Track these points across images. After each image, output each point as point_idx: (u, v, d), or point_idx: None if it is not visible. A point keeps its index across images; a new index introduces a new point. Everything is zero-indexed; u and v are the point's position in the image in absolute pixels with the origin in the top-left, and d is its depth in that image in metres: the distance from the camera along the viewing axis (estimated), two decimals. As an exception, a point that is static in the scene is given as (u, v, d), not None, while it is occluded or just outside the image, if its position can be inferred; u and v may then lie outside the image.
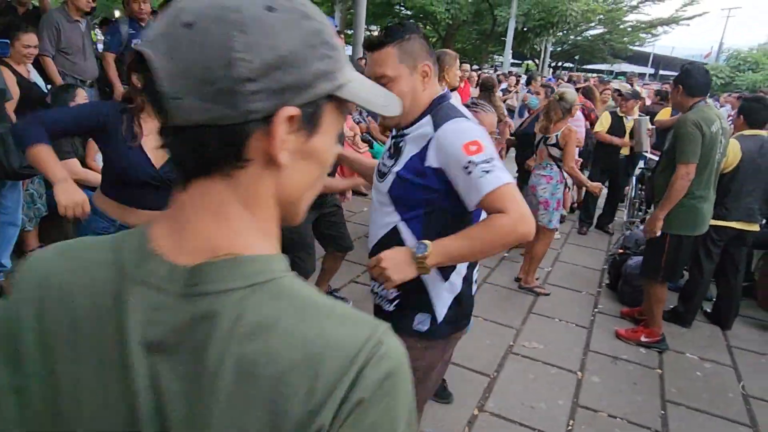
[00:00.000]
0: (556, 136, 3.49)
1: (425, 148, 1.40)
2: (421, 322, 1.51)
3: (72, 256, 0.56)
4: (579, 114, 4.90)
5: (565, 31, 18.87)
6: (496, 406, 2.68)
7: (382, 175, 1.52)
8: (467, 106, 2.35)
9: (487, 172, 1.29)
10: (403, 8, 17.81)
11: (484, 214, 1.41)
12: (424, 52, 1.43)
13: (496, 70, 16.64)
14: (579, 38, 23.77)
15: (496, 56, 25.55)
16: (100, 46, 5.33)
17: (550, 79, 11.06)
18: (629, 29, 22.66)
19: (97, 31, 8.66)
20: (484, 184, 1.29)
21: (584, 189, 5.35)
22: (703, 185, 3.05)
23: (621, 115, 5.58)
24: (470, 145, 1.31)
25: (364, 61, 3.12)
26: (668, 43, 50.79)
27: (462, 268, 1.51)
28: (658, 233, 3.12)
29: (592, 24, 20.49)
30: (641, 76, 28.55)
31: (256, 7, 0.47)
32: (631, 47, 25.30)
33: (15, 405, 0.54)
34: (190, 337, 0.49)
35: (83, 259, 0.55)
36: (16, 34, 3.50)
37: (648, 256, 3.36)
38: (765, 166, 3.42)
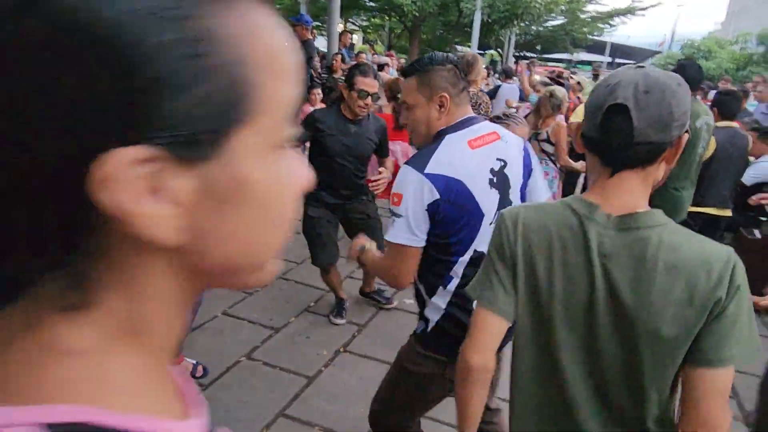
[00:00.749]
0: (547, 132, 3.64)
1: None
2: (419, 326, 1.68)
3: (536, 207, 1.11)
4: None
5: (528, 22, 19.21)
6: (500, 394, 2.80)
7: None
8: (499, 118, 2.47)
9: (392, 224, 1.50)
10: (370, 1, 17.80)
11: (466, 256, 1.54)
12: (445, 82, 1.52)
13: (463, 62, 16.79)
14: (541, 29, 24.24)
15: (458, 47, 25.77)
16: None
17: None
18: (589, 20, 23.24)
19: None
20: (389, 231, 1.51)
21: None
22: (683, 176, 3.24)
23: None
24: (394, 196, 1.48)
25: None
26: (624, 33, 52.24)
27: (445, 294, 1.57)
28: None
29: (553, 15, 20.94)
30: (593, 65, 29.33)
31: (674, 83, 0.94)
32: (590, 37, 25.93)
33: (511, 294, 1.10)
34: (630, 252, 0.97)
35: (545, 209, 1.08)
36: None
37: None
38: (736, 155, 3.66)
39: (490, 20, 17.49)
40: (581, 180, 5.59)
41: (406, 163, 1.52)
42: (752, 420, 2.16)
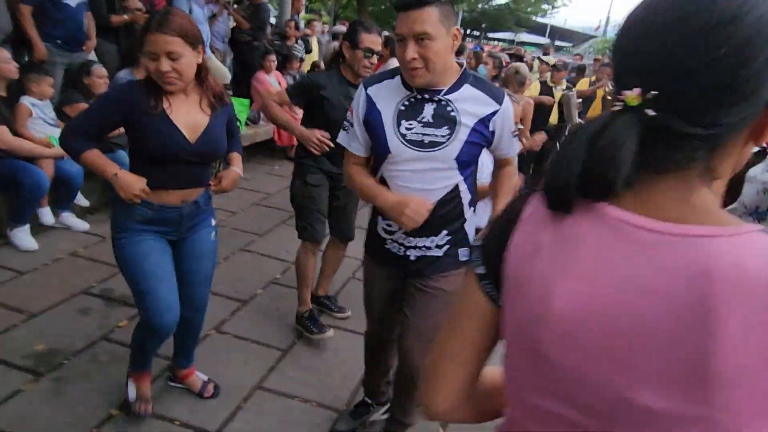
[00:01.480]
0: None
1: (490, 118, 1.62)
2: (464, 254, 1.76)
3: None
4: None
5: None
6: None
7: (434, 145, 1.60)
8: None
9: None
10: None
11: None
12: (454, 17, 1.55)
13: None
14: (487, 6, 24.46)
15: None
16: None
17: (476, 48, 11.36)
18: (533, 0, 23.70)
19: None
20: (516, 146, 1.79)
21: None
22: None
23: (551, 85, 5.94)
24: (515, 116, 1.72)
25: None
26: (561, 16, 53.62)
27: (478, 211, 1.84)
28: None
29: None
30: (539, 45, 30.06)
31: None
32: (533, 18, 26.48)
33: None
34: None
35: None
36: None
37: None
38: None
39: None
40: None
41: (502, 95, 1.65)
42: None
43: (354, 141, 1.74)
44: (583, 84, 7.28)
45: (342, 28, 8.88)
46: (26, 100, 3.47)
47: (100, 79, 3.92)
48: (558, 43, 47.99)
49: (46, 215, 3.63)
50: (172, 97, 1.78)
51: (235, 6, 6.56)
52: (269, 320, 2.99)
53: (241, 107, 5.63)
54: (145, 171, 1.79)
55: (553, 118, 5.94)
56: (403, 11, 1.51)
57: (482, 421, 0.82)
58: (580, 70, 7.87)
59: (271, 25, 7.87)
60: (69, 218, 3.75)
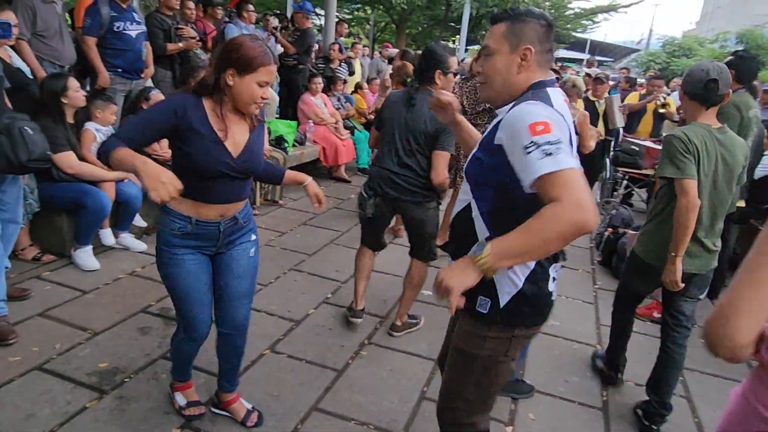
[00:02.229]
0: (573, 121, 3.61)
1: (495, 126, 1.40)
2: (482, 305, 1.48)
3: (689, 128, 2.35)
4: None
5: (514, 18, 19.26)
6: (533, 382, 2.76)
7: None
8: None
9: (549, 154, 1.20)
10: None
11: None
12: (534, 36, 1.42)
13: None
14: (526, 24, 24.37)
15: (443, 41, 25.71)
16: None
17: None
18: (572, 16, 23.40)
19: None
20: (540, 165, 1.20)
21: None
22: None
23: (593, 99, 5.79)
24: (537, 125, 1.23)
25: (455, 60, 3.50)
26: (602, 31, 52.84)
27: (517, 276, 1.44)
28: None
29: (539, 11, 21.05)
30: (579, 61, 29.66)
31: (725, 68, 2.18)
32: (572, 34, 26.12)
33: None
34: (724, 142, 2.33)
35: (695, 129, 2.32)
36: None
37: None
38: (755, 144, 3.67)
39: (477, 15, 17.46)
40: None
41: (525, 100, 1.35)
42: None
43: None
44: (632, 98, 7.09)
45: (393, 51, 9.02)
46: (91, 126, 3.63)
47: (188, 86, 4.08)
48: (599, 57, 47.24)
49: (107, 236, 3.76)
50: (228, 114, 1.81)
51: (282, 31, 6.74)
52: (323, 340, 2.97)
53: (288, 129, 5.74)
54: (184, 184, 1.75)
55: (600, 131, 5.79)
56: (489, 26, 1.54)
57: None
58: (629, 82, 7.67)
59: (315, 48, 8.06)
60: (128, 239, 3.88)
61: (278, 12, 7.83)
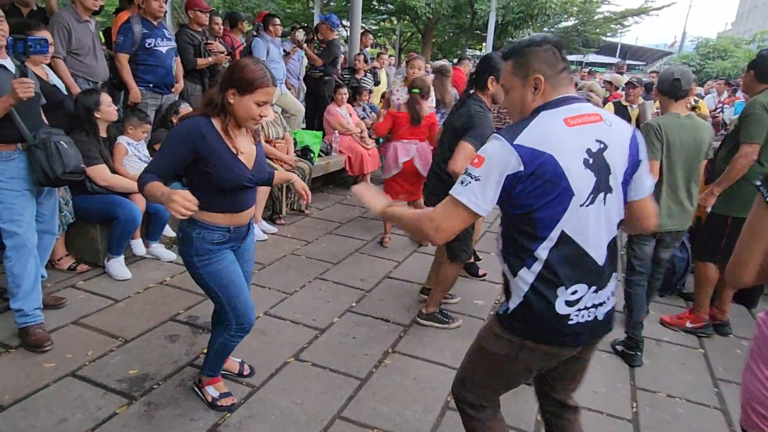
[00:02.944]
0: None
1: None
2: (501, 306, 1.62)
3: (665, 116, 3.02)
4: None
5: (542, 23, 19.06)
6: (561, 392, 2.70)
7: None
8: None
9: (461, 182, 1.44)
10: (382, 4, 17.75)
11: (553, 235, 1.44)
12: (540, 64, 1.48)
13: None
14: (554, 30, 24.08)
15: (468, 49, 25.70)
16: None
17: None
18: (601, 20, 23.03)
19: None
20: (453, 187, 1.47)
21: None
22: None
23: (625, 104, 5.67)
24: (476, 157, 1.44)
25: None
26: (632, 34, 51.98)
27: (528, 275, 1.48)
28: (709, 208, 3.19)
29: (566, 16, 20.78)
30: (610, 66, 29.17)
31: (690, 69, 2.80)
32: (602, 38, 25.72)
33: None
34: (690, 127, 2.99)
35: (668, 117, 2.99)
36: (29, 33, 3.34)
37: (705, 239, 3.42)
38: None
39: (504, 22, 17.37)
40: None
41: (496, 132, 1.46)
42: None
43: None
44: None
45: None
46: (123, 140, 3.75)
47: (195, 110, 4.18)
48: (629, 61, 46.31)
49: (139, 246, 3.87)
50: (234, 131, 2.01)
51: (308, 44, 6.85)
52: (347, 348, 2.98)
53: (314, 139, 5.81)
54: (213, 199, 2.01)
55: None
56: None
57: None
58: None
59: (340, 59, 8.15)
60: (158, 249, 3.98)
61: (305, 25, 7.94)
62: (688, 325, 3.45)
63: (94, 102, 3.46)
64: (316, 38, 7.06)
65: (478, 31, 19.74)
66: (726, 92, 9.19)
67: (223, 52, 5.20)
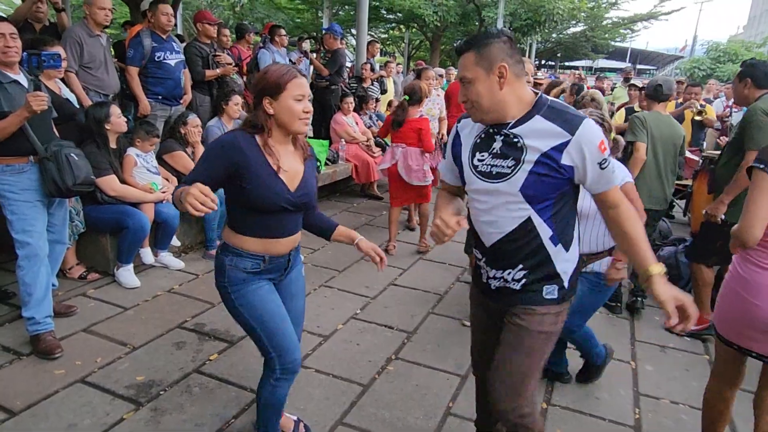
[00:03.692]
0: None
1: (561, 149, 1.53)
2: (550, 292, 1.69)
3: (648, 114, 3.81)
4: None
5: (550, 29, 19.10)
6: (563, 399, 2.72)
7: (499, 176, 1.60)
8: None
9: (613, 170, 1.58)
10: (391, 13, 17.90)
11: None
12: (502, 53, 1.54)
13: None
14: (562, 36, 24.08)
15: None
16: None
17: (552, 77, 11.20)
18: (610, 25, 23.02)
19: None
20: (614, 178, 1.60)
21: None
22: None
23: (638, 110, 5.65)
24: (601, 144, 1.53)
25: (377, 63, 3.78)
26: (643, 39, 51.74)
27: (576, 241, 1.73)
28: (721, 217, 3.19)
29: (574, 22, 20.79)
30: (619, 71, 29.05)
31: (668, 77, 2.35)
32: (611, 43, 25.68)
33: None
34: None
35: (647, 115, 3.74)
36: (43, 48, 3.45)
37: (700, 242, 3.45)
38: None
39: (511, 28, 17.42)
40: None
41: (578, 120, 1.53)
42: None
43: (446, 170, 1.88)
44: (669, 106, 6.89)
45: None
46: (132, 151, 3.84)
47: (194, 128, 4.25)
48: (640, 66, 46.11)
49: (147, 255, 3.94)
50: (278, 146, 1.83)
51: (314, 53, 6.94)
52: (350, 355, 3.01)
53: (320, 148, 5.88)
54: (248, 220, 1.84)
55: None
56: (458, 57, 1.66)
57: None
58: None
59: (348, 68, 8.23)
60: (166, 257, 4.05)
61: (315, 34, 8.05)
62: (692, 327, 3.44)
63: (104, 114, 3.55)
64: (322, 48, 7.15)
65: (487, 38, 19.75)
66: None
67: (231, 64, 5.30)
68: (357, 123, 6.53)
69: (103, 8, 4.12)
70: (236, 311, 1.90)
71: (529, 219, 1.60)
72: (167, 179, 4.12)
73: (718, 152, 4.17)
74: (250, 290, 1.88)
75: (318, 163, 5.68)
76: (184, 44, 5.27)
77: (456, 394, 2.71)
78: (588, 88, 6.54)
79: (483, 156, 1.65)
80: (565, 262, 1.68)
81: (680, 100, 7.06)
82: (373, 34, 22.02)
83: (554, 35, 23.71)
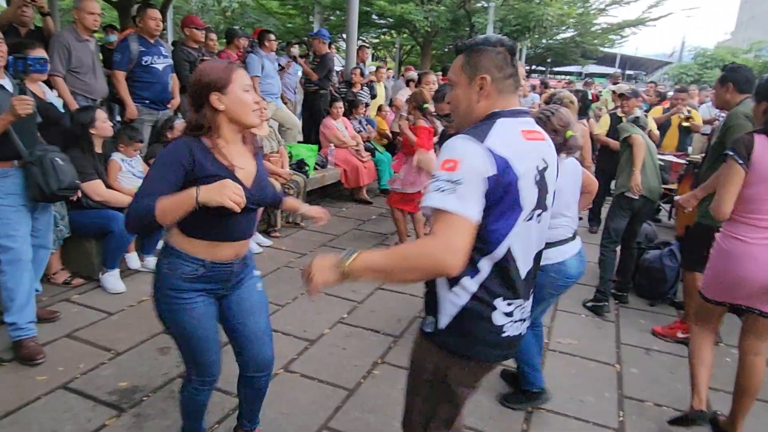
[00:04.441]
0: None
1: None
2: (427, 324, 1.49)
3: None
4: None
5: (539, 35, 19.24)
6: (547, 402, 2.73)
7: None
8: (542, 113, 2.43)
9: (441, 190, 1.26)
10: (382, 18, 17.95)
11: (499, 251, 1.37)
12: (490, 64, 1.42)
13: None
14: (552, 41, 24.26)
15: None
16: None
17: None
18: (599, 31, 23.21)
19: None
20: (430, 197, 1.27)
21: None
22: None
23: (621, 116, 5.71)
24: (447, 162, 1.29)
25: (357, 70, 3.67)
26: (633, 44, 52.29)
27: (471, 285, 1.40)
28: (689, 209, 3.16)
29: (564, 28, 20.96)
30: (609, 76, 29.35)
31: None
32: (601, 49, 25.89)
33: None
34: None
35: None
36: (26, 51, 3.41)
37: (691, 248, 3.42)
38: None
39: (502, 34, 17.55)
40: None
41: (462, 133, 1.35)
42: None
43: None
44: (656, 111, 6.98)
45: (413, 74, 9.14)
46: (117, 156, 3.82)
47: (181, 133, 4.24)
48: (629, 72, 46.52)
49: (133, 260, 3.92)
50: (229, 146, 1.76)
51: (304, 58, 6.95)
52: (336, 360, 3.01)
53: (309, 152, 5.88)
54: (199, 225, 1.72)
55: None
56: None
57: None
58: (659, 96, 7.56)
59: (338, 73, 8.25)
60: (152, 262, 4.02)
61: (304, 39, 8.07)
62: (680, 335, 3.47)
63: (90, 119, 3.54)
64: (311, 53, 7.17)
65: (477, 44, 19.89)
66: None
67: (218, 68, 5.29)
68: (347, 127, 6.54)
69: (92, 13, 4.11)
70: (161, 318, 1.85)
71: None
72: (154, 184, 4.09)
73: (702, 155, 4.24)
74: (181, 306, 1.78)
75: (306, 167, 5.68)
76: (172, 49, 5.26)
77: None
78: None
79: None
80: (445, 299, 1.45)
81: (667, 106, 7.14)
82: (364, 39, 22.09)
83: (544, 41, 23.88)
